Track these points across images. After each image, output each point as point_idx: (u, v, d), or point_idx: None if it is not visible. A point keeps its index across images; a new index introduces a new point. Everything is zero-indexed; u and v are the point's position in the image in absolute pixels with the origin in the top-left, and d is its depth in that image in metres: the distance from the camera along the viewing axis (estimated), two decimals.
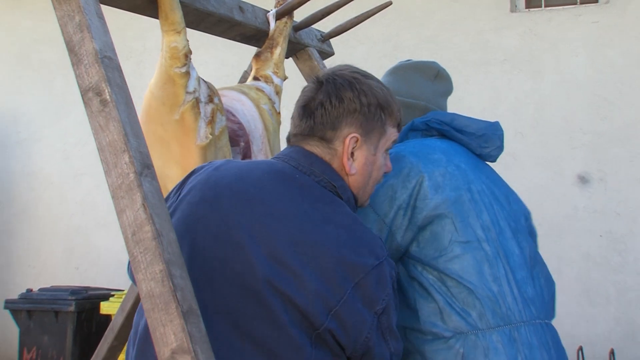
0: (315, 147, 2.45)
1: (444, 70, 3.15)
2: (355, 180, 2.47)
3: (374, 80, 2.53)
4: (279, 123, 3.68)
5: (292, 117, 2.56)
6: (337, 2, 3.90)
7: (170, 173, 2.79)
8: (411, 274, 2.65)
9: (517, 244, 2.75)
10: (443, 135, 2.94)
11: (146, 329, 2.23)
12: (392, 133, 2.52)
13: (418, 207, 2.62)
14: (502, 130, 3.02)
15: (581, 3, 7.51)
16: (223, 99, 3.27)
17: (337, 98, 2.43)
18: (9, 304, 6.73)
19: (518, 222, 2.85)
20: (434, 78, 3.10)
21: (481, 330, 2.55)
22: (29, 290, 6.90)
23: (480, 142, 2.94)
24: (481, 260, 2.60)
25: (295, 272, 2.18)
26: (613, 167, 7.32)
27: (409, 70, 3.11)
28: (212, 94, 3.12)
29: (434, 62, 3.16)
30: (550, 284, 2.86)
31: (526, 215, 2.95)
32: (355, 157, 2.45)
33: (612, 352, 6.41)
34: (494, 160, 3.03)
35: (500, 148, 3.01)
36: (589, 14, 7.44)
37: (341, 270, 2.20)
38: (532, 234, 2.93)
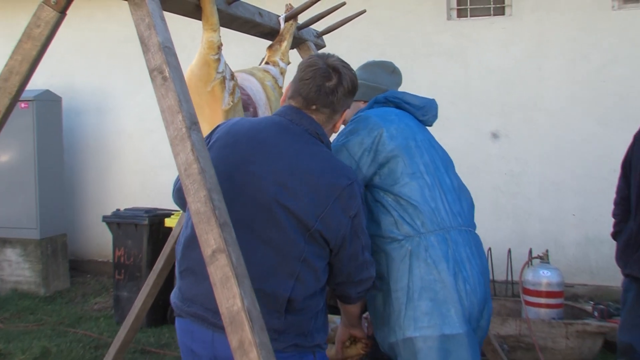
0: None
1: (397, 68, 3.25)
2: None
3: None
4: (281, 94, 3.69)
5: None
6: (327, 9, 3.97)
7: (204, 128, 2.77)
8: (375, 197, 2.72)
9: (448, 177, 2.83)
10: (397, 106, 2.97)
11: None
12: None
13: (379, 150, 2.70)
14: (436, 105, 3.09)
15: (494, 15, 7.45)
16: (237, 79, 3.31)
17: None
18: (105, 219, 6.78)
19: (449, 165, 2.91)
20: (391, 72, 3.20)
21: (423, 233, 2.64)
22: (118, 210, 6.92)
23: (422, 111, 3.01)
24: (423, 186, 2.69)
25: (294, 192, 2.27)
26: (514, 127, 7.32)
27: (374, 67, 3.21)
28: (233, 74, 3.16)
29: (391, 62, 3.25)
30: (471, 205, 2.93)
31: (452, 162, 3.00)
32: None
33: (509, 251, 6.51)
34: (430, 125, 3.08)
35: (435, 116, 3.09)
36: (499, 22, 7.40)
37: (326, 189, 2.30)
38: (456, 174, 2.98)
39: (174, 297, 2.47)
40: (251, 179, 2.31)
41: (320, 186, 2.29)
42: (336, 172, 2.36)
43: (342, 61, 2.50)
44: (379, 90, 3.07)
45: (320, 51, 4.25)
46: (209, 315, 2.25)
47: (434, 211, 2.66)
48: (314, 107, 2.43)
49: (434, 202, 2.68)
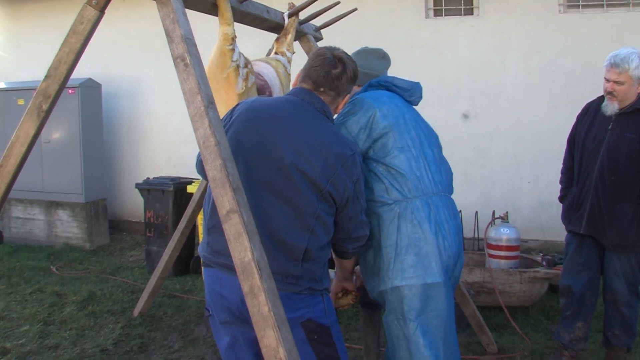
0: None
1: (386, 53, 3.15)
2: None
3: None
4: (290, 80, 3.71)
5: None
6: (324, 7, 3.99)
7: (220, 109, 2.75)
8: (369, 167, 2.69)
9: (431, 150, 2.80)
10: (387, 89, 2.93)
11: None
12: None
13: (373, 127, 2.67)
14: (421, 87, 3.04)
15: (464, 14, 7.37)
16: (255, 67, 3.32)
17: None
18: (137, 185, 6.76)
19: (432, 140, 2.88)
20: (381, 58, 3.10)
21: (409, 198, 2.63)
22: (148, 178, 6.90)
23: (409, 93, 2.96)
24: (410, 158, 2.67)
25: (309, 159, 2.27)
26: (481, 109, 7.29)
27: (367, 53, 3.09)
28: (247, 62, 3.15)
29: (381, 49, 3.13)
30: (450, 174, 2.91)
31: (436, 137, 2.97)
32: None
33: (476, 213, 6.52)
34: (416, 104, 3.04)
35: (420, 97, 3.04)
36: (469, 21, 7.32)
37: (334, 157, 2.31)
38: (439, 147, 2.94)
39: (202, 250, 2.47)
40: (272, 148, 2.30)
41: (330, 155, 2.31)
42: (342, 144, 2.37)
43: (346, 53, 2.52)
44: (371, 76, 3.01)
45: (319, 43, 4.26)
46: None
47: (419, 179, 2.66)
48: (321, 89, 2.45)
49: (419, 172, 2.67)
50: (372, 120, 2.68)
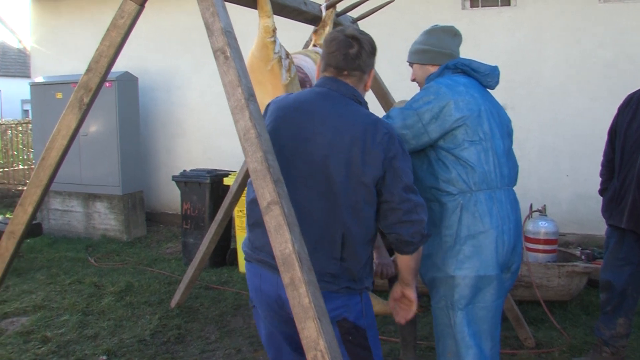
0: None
1: (458, 30, 3.05)
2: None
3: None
4: None
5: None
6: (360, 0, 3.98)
7: (266, 102, 2.74)
8: (438, 156, 2.71)
9: (502, 142, 2.78)
10: (465, 72, 2.89)
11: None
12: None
13: (446, 119, 2.66)
14: (499, 71, 2.99)
15: (501, 5, 7.29)
16: (295, 60, 3.29)
17: None
18: (174, 178, 6.83)
19: (504, 128, 2.85)
20: (454, 35, 3.01)
21: (475, 191, 2.67)
22: (184, 171, 6.96)
23: (487, 78, 2.93)
24: (480, 151, 2.67)
25: (342, 148, 2.26)
26: (518, 100, 7.20)
27: (438, 32, 3.00)
28: (288, 54, 3.12)
29: (452, 26, 3.05)
30: (516, 166, 2.91)
31: (508, 122, 2.94)
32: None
33: None
34: (493, 89, 3.00)
35: (497, 82, 2.99)
36: (506, 12, 7.24)
37: (368, 138, 2.28)
38: (509, 134, 2.92)
39: (244, 246, 2.47)
40: (307, 143, 2.27)
41: (363, 137, 2.24)
42: (375, 124, 2.29)
43: (359, 29, 2.46)
44: (444, 54, 2.93)
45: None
46: (274, 262, 2.20)
47: (486, 173, 2.67)
48: (345, 72, 2.39)
49: (487, 165, 2.68)
50: (445, 112, 2.65)
